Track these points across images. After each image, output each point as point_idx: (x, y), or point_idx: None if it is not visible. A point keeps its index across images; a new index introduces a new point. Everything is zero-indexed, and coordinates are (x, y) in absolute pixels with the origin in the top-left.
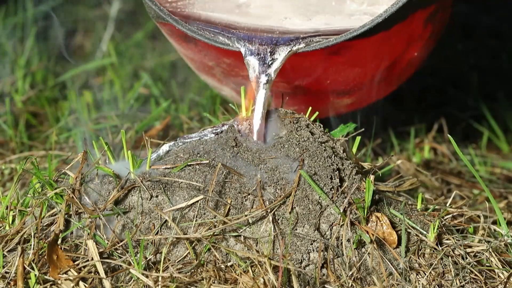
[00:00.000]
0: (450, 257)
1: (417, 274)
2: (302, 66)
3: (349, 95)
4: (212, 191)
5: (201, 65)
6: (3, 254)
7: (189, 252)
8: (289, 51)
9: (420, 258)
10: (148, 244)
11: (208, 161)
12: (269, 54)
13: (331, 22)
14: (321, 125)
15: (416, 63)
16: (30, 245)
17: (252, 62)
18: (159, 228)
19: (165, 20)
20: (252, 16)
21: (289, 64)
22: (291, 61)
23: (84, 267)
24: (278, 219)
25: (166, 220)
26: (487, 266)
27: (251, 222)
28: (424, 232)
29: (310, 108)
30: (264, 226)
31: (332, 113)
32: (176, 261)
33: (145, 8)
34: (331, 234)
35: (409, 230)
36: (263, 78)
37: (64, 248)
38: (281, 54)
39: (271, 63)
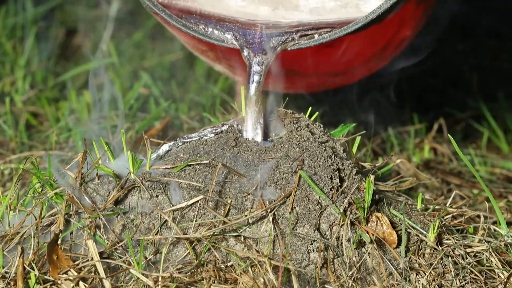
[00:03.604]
0: (450, 257)
1: (417, 274)
2: (294, 56)
3: (341, 75)
4: (212, 191)
5: (194, 48)
6: (3, 254)
7: (189, 252)
8: (282, 47)
9: (420, 258)
10: (148, 244)
11: (208, 161)
12: (262, 48)
13: (324, 13)
14: (321, 125)
15: (408, 39)
16: (30, 245)
17: (246, 57)
18: (159, 228)
19: (159, 14)
20: (244, 8)
21: (282, 53)
22: (283, 52)
23: (84, 267)
24: (278, 219)
25: (166, 220)
26: (487, 266)
27: (251, 222)
28: (424, 232)
29: (301, 85)
30: (264, 226)
31: (323, 88)
32: (176, 261)
33: (140, 0)
34: (331, 234)
35: (409, 230)
36: (256, 69)
37: (64, 248)
38: (275, 50)
39: (264, 57)
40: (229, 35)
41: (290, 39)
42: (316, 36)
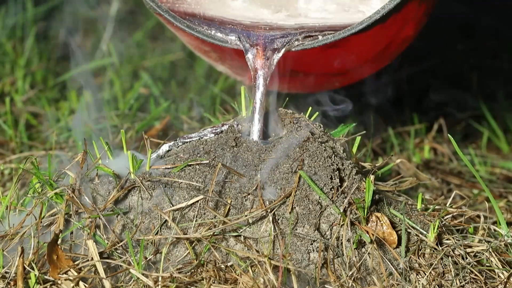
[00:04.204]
0: (450, 257)
1: (417, 274)
2: (297, 56)
3: (343, 75)
4: (212, 191)
5: (197, 48)
6: (3, 254)
7: (189, 252)
8: (286, 48)
9: (420, 258)
10: (148, 244)
11: (208, 161)
12: (267, 51)
13: (327, 16)
14: (321, 125)
15: (409, 39)
16: (30, 245)
17: (251, 59)
18: (159, 228)
19: (163, 15)
20: (246, 12)
21: (285, 54)
22: (287, 52)
23: (84, 267)
24: (278, 219)
25: (166, 220)
26: (487, 266)
27: (251, 222)
28: (424, 232)
29: (304, 85)
30: (264, 226)
31: (325, 88)
32: (176, 261)
33: (143, 1)
34: (331, 234)
35: (409, 230)
36: (261, 73)
37: (64, 248)
38: (279, 51)
39: (268, 59)
40: (233, 37)
41: (294, 40)
42: (320, 37)
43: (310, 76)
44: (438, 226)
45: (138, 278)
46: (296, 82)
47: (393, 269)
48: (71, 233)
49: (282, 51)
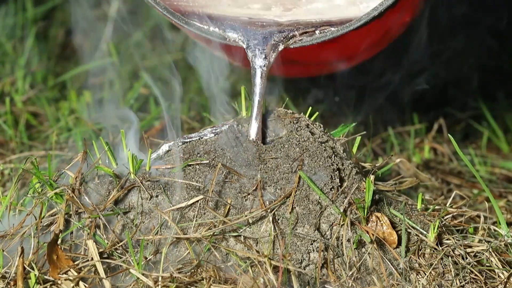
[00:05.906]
0: (450, 257)
1: (417, 274)
2: (295, 50)
3: (342, 63)
4: (212, 191)
5: (197, 38)
6: (3, 254)
7: (189, 252)
8: (285, 44)
9: (420, 258)
10: (148, 244)
11: (208, 161)
12: (264, 48)
13: (321, 10)
14: (321, 125)
15: (407, 24)
16: (30, 245)
17: (250, 56)
18: (159, 228)
19: (163, 13)
20: (243, 9)
21: (284, 49)
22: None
23: (84, 267)
24: (278, 219)
25: (166, 220)
26: (487, 266)
27: (251, 222)
28: (424, 232)
29: (302, 72)
30: (264, 226)
31: (323, 73)
32: (176, 261)
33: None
34: (331, 234)
35: (409, 230)
36: (260, 70)
37: (64, 248)
38: (277, 48)
39: (267, 57)
40: (231, 33)
41: (291, 35)
42: (317, 32)
43: (307, 64)
44: (438, 226)
45: (138, 278)
46: (293, 70)
47: (393, 269)
48: (71, 233)
49: (280, 47)
